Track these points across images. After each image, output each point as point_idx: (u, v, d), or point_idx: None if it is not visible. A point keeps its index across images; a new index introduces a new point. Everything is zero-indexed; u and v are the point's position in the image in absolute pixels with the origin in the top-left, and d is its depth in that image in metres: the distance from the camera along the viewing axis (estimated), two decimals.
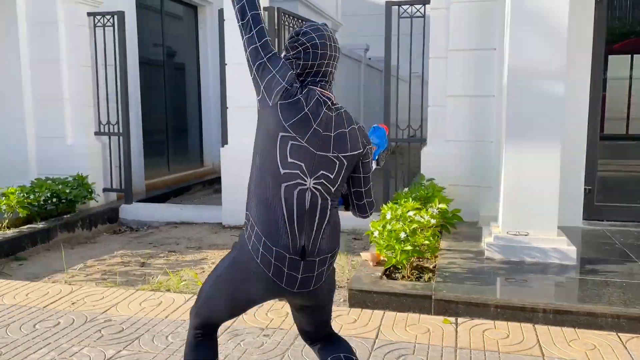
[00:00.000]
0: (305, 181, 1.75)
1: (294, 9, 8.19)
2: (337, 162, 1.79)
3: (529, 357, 2.78)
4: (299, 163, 1.74)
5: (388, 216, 3.72)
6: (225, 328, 3.08)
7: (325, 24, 1.88)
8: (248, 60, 1.80)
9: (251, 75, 1.80)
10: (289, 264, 1.76)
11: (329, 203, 1.81)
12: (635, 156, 5.47)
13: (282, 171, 1.73)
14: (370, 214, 2.00)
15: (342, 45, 4.26)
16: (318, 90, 1.78)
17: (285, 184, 1.74)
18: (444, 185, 4.98)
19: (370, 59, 13.13)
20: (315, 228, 1.78)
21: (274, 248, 1.74)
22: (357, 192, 1.94)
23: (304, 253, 1.77)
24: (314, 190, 1.76)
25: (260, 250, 1.75)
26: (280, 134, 1.73)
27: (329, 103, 1.79)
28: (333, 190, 1.81)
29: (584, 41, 4.84)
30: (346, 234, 5.28)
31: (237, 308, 1.91)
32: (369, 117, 12.12)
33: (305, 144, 1.74)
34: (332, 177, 1.79)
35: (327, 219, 1.80)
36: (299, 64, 1.79)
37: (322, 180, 1.77)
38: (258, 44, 1.78)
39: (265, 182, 1.76)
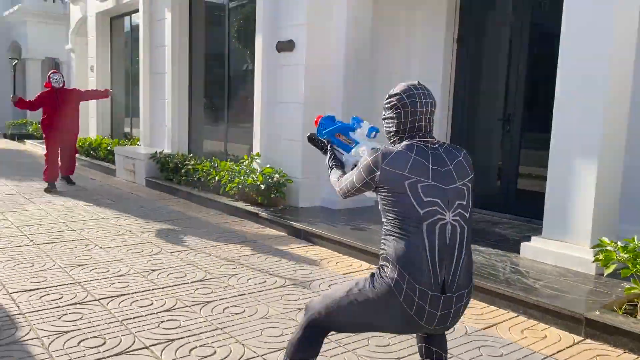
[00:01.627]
0: (445, 215, 1.89)
1: None
2: (465, 189, 1.97)
3: None
4: (435, 199, 1.88)
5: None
6: None
7: (418, 82, 2.07)
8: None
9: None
10: (431, 301, 1.85)
11: (466, 233, 1.94)
12: None
13: (422, 211, 1.87)
14: None
15: None
16: (415, 141, 1.98)
17: (427, 222, 1.87)
18: None
19: None
20: (454, 260, 1.89)
21: (417, 286, 1.83)
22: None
23: (443, 288, 1.87)
24: (453, 222, 1.90)
25: (404, 288, 1.84)
26: (406, 182, 1.88)
27: (431, 145, 1.99)
28: (468, 216, 1.95)
29: None
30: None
31: (362, 331, 2.20)
32: None
33: (433, 182, 1.90)
34: (464, 203, 1.95)
35: (464, 250, 1.92)
36: (394, 122, 2.03)
37: (459, 210, 1.93)
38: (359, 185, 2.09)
39: (405, 225, 1.88)
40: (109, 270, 4.20)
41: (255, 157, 6.77)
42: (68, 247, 4.80)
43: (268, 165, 6.53)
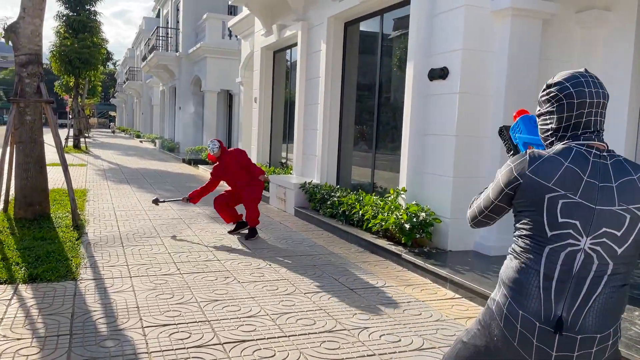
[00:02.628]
0: (579, 241, 1.52)
1: None
2: (628, 216, 1.52)
3: None
4: (573, 221, 1.52)
5: None
6: None
7: (585, 70, 1.67)
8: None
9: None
10: (540, 335, 1.54)
11: (609, 270, 1.53)
12: None
13: (550, 233, 1.55)
14: None
15: None
16: (576, 144, 1.60)
17: (552, 245, 1.55)
18: None
19: None
20: (581, 297, 1.52)
21: (520, 312, 1.56)
22: None
23: (560, 325, 1.52)
24: (589, 251, 1.52)
25: (504, 311, 1.59)
26: (547, 196, 1.55)
27: (596, 152, 1.58)
28: (619, 252, 1.52)
29: None
30: None
31: None
32: None
33: (580, 199, 1.52)
34: (618, 234, 1.52)
35: (599, 290, 1.53)
36: (553, 118, 1.64)
37: (604, 240, 1.52)
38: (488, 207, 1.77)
39: (527, 244, 1.60)
40: (240, 309, 4.09)
41: (401, 192, 6.35)
42: (209, 279, 4.85)
43: (414, 202, 6.05)
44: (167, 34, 25.47)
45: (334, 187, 8.03)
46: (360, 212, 6.60)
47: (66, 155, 19.09)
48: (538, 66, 5.66)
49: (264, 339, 3.57)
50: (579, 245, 1.52)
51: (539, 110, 1.71)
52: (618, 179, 1.54)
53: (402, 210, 5.91)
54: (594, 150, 1.57)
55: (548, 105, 1.67)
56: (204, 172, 15.28)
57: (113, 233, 6.66)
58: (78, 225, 6.76)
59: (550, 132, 1.68)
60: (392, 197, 6.41)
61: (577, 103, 1.59)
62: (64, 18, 22.59)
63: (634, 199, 1.53)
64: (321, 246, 6.39)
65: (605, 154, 1.58)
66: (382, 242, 6.06)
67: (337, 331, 3.75)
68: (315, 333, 3.69)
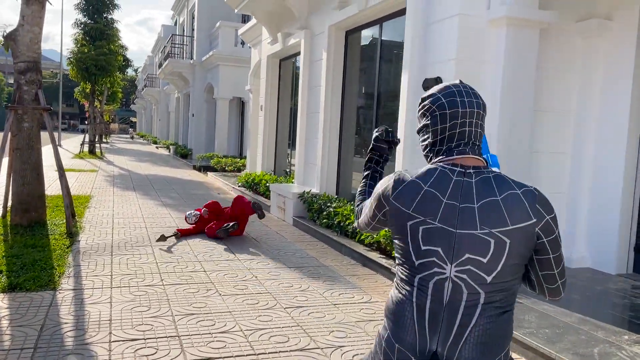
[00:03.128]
0: (444, 269, 1.43)
1: None
2: (492, 241, 1.39)
3: None
4: (435, 248, 1.43)
5: None
6: None
7: (460, 81, 1.59)
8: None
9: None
10: None
11: (482, 299, 1.41)
12: None
13: (417, 262, 1.47)
14: (563, 294, 1.56)
15: None
16: (442, 163, 1.50)
17: (421, 275, 1.46)
18: None
19: None
20: (455, 330, 1.42)
21: (396, 345, 1.48)
22: (548, 275, 1.50)
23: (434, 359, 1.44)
24: (456, 280, 1.42)
25: (383, 344, 1.52)
26: (408, 223, 1.47)
27: (461, 169, 1.47)
28: (489, 279, 1.41)
29: None
30: None
31: None
32: None
33: (439, 224, 1.43)
34: (484, 261, 1.40)
35: (474, 321, 1.41)
36: (428, 131, 1.56)
37: (469, 267, 1.41)
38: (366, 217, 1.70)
39: (402, 273, 1.52)
40: (214, 324, 4.00)
41: None
42: (190, 291, 4.77)
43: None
44: (183, 41, 25.72)
45: (331, 197, 7.91)
46: (354, 223, 6.47)
47: (79, 161, 19.42)
48: (534, 77, 5.48)
49: (231, 357, 3.47)
50: (445, 273, 1.42)
51: (417, 126, 1.63)
52: (481, 199, 1.42)
53: None
54: (458, 169, 1.47)
55: (424, 119, 1.59)
56: (213, 180, 15.30)
57: (105, 241, 6.64)
58: (72, 233, 6.76)
59: (428, 148, 1.58)
60: None
61: (449, 114, 1.50)
62: (82, 26, 22.98)
63: (497, 222, 1.39)
64: (313, 258, 6.28)
65: (471, 170, 1.46)
66: (374, 255, 5.92)
67: (309, 349, 3.63)
68: (286, 351, 3.58)
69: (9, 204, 7.44)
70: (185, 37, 25.88)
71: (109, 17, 23.61)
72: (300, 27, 9.52)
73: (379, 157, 1.87)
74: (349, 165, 8.61)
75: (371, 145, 1.88)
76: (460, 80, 1.58)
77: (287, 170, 11.75)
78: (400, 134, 6.24)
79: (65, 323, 3.88)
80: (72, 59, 22.47)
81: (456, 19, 5.43)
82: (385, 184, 1.57)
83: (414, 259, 1.47)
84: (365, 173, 1.87)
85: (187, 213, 7.62)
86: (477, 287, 1.41)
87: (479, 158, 1.51)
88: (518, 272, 1.45)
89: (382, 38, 7.59)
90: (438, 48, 5.69)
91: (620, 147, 5.46)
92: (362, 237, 6.10)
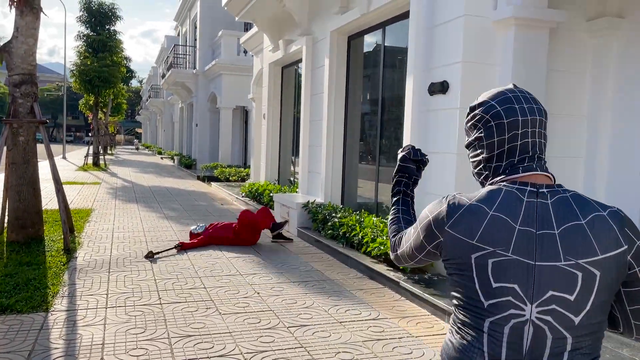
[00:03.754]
0: (523, 310, 1.18)
1: None
2: (579, 274, 1.16)
3: None
4: (510, 285, 1.19)
5: None
6: None
7: (514, 85, 1.36)
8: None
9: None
10: None
11: (569, 345, 1.17)
12: None
13: (486, 303, 1.21)
14: None
15: None
16: (506, 183, 1.27)
17: (492, 318, 1.20)
18: None
19: None
20: None
21: None
22: (638, 310, 1.25)
23: None
24: (538, 323, 1.17)
25: None
26: (473, 256, 1.22)
27: (532, 189, 1.24)
28: (577, 321, 1.17)
29: None
30: None
31: None
32: None
33: (513, 255, 1.19)
34: (571, 299, 1.16)
35: None
36: (482, 145, 1.33)
37: (554, 306, 1.17)
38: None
39: (465, 316, 1.27)
40: (212, 347, 3.77)
41: None
42: (189, 310, 4.55)
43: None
44: (186, 51, 25.67)
45: (336, 207, 7.69)
46: (360, 234, 6.24)
47: (83, 174, 19.29)
48: (545, 78, 5.25)
49: None
50: (524, 315, 1.17)
51: (467, 140, 1.40)
52: (562, 224, 1.19)
53: None
54: (528, 188, 1.23)
55: (475, 131, 1.35)
56: (216, 190, 15.12)
57: (104, 257, 6.44)
58: (69, 249, 6.57)
59: (482, 166, 1.35)
60: None
61: (507, 123, 1.28)
62: (84, 38, 22.96)
63: (585, 251, 1.16)
64: (318, 271, 6.04)
65: (545, 190, 1.23)
66: (381, 268, 5.68)
67: None
68: None
69: (6, 220, 7.26)
70: (188, 47, 25.84)
71: (112, 28, 23.59)
72: (302, 33, 9.35)
73: (408, 178, 1.64)
74: (354, 173, 8.39)
75: (397, 167, 1.65)
76: (514, 84, 1.36)
77: (291, 179, 11.55)
78: (405, 141, 6.02)
79: (55, 348, 3.67)
80: (75, 72, 22.43)
81: (461, 20, 5.22)
82: (435, 209, 1.32)
83: (482, 299, 1.21)
84: (395, 199, 1.64)
85: (192, 228, 7.45)
86: (564, 331, 1.17)
87: (549, 175, 1.29)
88: (607, 310, 1.22)
89: (386, 42, 7.39)
90: (443, 51, 5.47)
91: (636, 148, 5.20)
92: (369, 249, 5.87)
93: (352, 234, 6.48)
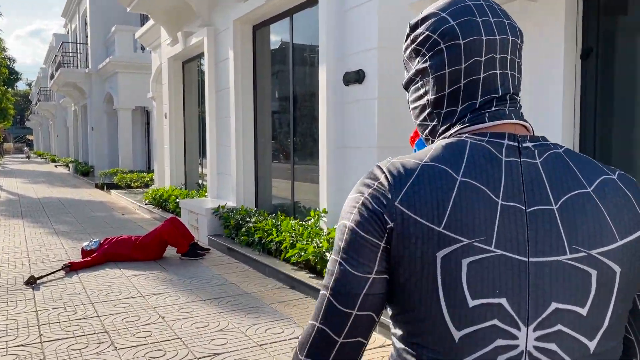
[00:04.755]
0: (516, 339, 0.72)
1: None
2: (593, 273, 0.73)
3: None
4: (495, 301, 0.72)
5: None
6: None
7: None
8: None
9: None
10: None
11: None
12: None
13: (458, 335, 0.73)
14: None
15: None
16: (469, 133, 0.81)
17: (468, 358, 0.72)
18: None
19: None
20: None
21: None
22: None
23: None
24: (538, 355, 0.72)
25: None
26: (439, 254, 0.72)
27: (512, 142, 0.79)
28: (593, 347, 0.73)
29: None
30: None
31: None
32: None
33: (498, 250, 0.72)
34: (584, 313, 0.73)
35: None
36: (428, 80, 0.86)
37: (561, 328, 0.72)
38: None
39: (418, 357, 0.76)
40: None
41: (322, 214, 5.51)
42: (76, 348, 3.77)
43: (336, 226, 5.23)
44: (76, 49, 23.66)
45: (249, 211, 7.09)
46: (277, 239, 5.70)
47: None
48: None
49: None
50: (517, 346, 0.72)
51: (406, 75, 0.93)
52: (561, 194, 0.76)
53: (322, 237, 5.07)
54: (506, 141, 0.79)
55: (417, 61, 0.88)
56: (117, 198, 13.89)
57: None
58: None
59: (427, 112, 0.88)
60: (312, 220, 5.56)
61: (465, 45, 0.82)
62: None
63: (598, 235, 0.74)
64: (233, 285, 5.43)
65: (529, 144, 0.80)
66: (303, 276, 5.18)
67: None
68: None
69: None
70: (78, 45, 23.83)
71: None
72: (202, 24, 8.61)
73: None
74: (268, 173, 7.83)
75: None
76: None
77: (200, 182, 10.75)
78: (322, 136, 5.56)
79: None
80: None
81: (375, 2, 4.83)
82: (364, 187, 0.79)
83: (451, 327, 0.73)
84: None
85: (85, 244, 6.51)
86: None
87: (527, 125, 0.85)
88: (623, 329, 0.79)
89: (294, 31, 6.89)
90: (357, 37, 5.07)
91: (555, 138, 5.11)
92: (288, 255, 5.35)
93: (269, 240, 5.93)
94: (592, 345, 0.74)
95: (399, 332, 0.80)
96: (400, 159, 0.81)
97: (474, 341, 0.72)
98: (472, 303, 0.72)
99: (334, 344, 0.77)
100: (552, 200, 0.75)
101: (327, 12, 5.34)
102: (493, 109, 0.82)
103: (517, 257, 0.72)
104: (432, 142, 0.90)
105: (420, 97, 0.89)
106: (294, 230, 5.59)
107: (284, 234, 5.64)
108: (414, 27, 0.90)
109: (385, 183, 0.77)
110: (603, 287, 0.74)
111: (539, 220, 0.74)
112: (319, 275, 5.11)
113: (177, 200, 9.37)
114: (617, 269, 0.75)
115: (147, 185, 15.16)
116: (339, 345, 0.77)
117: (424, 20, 0.87)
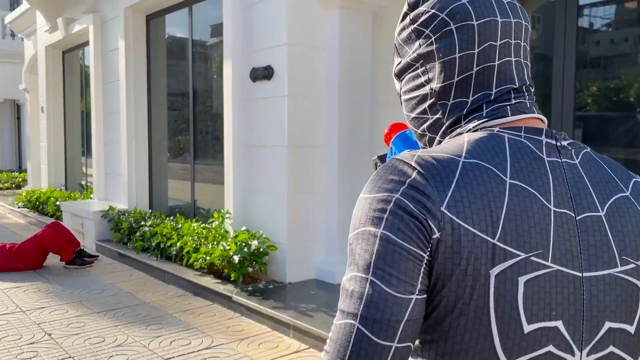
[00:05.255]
0: None
1: None
2: None
3: None
4: (551, 325, 0.62)
5: None
6: None
7: None
8: None
9: None
10: None
11: None
12: None
13: None
14: None
15: None
16: (500, 126, 0.70)
17: None
18: None
19: None
20: None
21: None
22: None
23: None
24: None
25: None
26: (492, 271, 0.60)
27: (550, 140, 0.69)
28: None
29: None
30: None
31: None
32: None
33: (555, 265, 0.62)
34: (632, 331, 0.66)
35: None
36: (433, 66, 0.75)
37: (612, 350, 0.65)
38: None
39: None
40: None
41: (227, 215, 5.26)
42: None
43: (243, 228, 5.02)
44: None
45: (144, 214, 6.60)
46: (179, 244, 5.35)
47: None
48: (372, 66, 5.06)
49: None
50: None
51: (398, 64, 0.82)
52: (604, 199, 0.69)
53: (229, 240, 4.82)
54: (544, 138, 0.71)
55: (418, 44, 0.76)
56: None
57: None
58: None
59: (429, 104, 0.77)
60: (217, 222, 5.29)
61: (479, 27, 0.72)
62: None
63: None
64: (129, 294, 4.99)
65: (565, 142, 0.72)
66: (208, 281, 4.90)
67: None
68: None
69: None
70: None
71: None
72: (87, 10, 7.90)
73: None
74: (164, 173, 7.36)
75: None
76: None
77: (83, 183, 9.88)
78: (227, 134, 5.30)
79: None
80: None
81: None
82: (389, 182, 0.64)
83: (502, 358, 0.62)
84: None
85: None
86: None
87: (543, 118, 0.76)
88: None
89: (194, 22, 6.53)
90: (265, 32, 4.90)
91: None
92: (191, 260, 5.03)
93: (169, 244, 5.55)
94: None
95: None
96: (427, 152, 0.68)
97: None
98: (527, 328, 0.62)
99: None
100: (598, 206, 0.68)
101: (232, 4, 5.10)
102: (513, 101, 0.73)
103: (572, 272, 0.64)
104: (431, 139, 0.79)
105: (420, 86, 0.78)
106: (197, 233, 5.27)
107: (185, 237, 5.30)
108: (413, 5, 0.78)
109: (423, 181, 0.64)
110: None
111: (589, 229, 0.66)
112: (226, 279, 4.86)
113: (58, 202, 8.51)
114: None
115: (18, 187, 13.71)
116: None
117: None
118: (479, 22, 0.72)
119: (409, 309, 0.61)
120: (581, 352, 0.64)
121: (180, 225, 5.72)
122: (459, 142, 0.69)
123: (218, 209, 5.70)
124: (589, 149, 0.74)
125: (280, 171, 4.82)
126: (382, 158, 1.27)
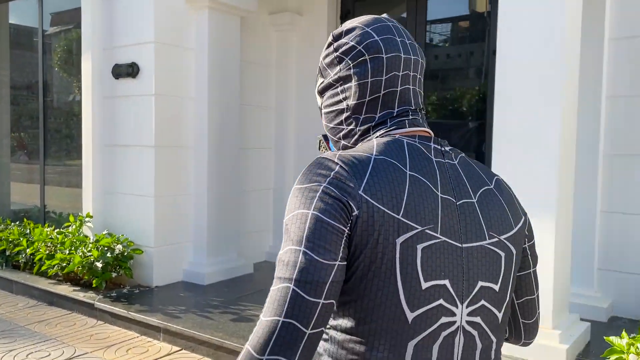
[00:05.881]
0: (454, 315, 0.83)
1: None
2: (502, 255, 0.90)
3: None
4: (441, 282, 0.82)
5: None
6: None
7: (385, 15, 1.01)
8: None
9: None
10: None
11: (493, 353, 0.90)
12: None
13: (412, 316, 0.80)
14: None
15: None
16: (400, 134, 0.92)
17: (416, 339, 0.80)
18: None
19: None
20: None
21: None
22: (527, 303, 1.03)
23: None
24: (469, 328, 0.85)
25: None
26: (398, 240, 0.79)
27: (437, 146, 0.92)
28: (500, 318, 0.90)
29: None
30: None
31: None
32: None
33: (443, 237, 0.83)
34: (497, 289, 0.89)
35: None
36: (350, 87, 0.95)
37: (483, 303, 0.87)
38: None
39: (359, 348, 0.81)
40: None
41: (86, 219, 4.97)
42: None
43: (106, 232, 4.79)
44: None
45: None
46: (29, 251, 4.92)
47: None
48: (240, 68, 5.15)
49: None
50: (455, 322, 0.85)
51: (321, 83, 1.02)
52: (476, 190, 0.92)
53: (90, 245, 4.57)
54: (432, 144, 0.92)
55: (339, 68, 0.97)
56: None
57: None
58: None
59: (346, 116, 0.97)
60: (73, 227, 4.96)
61: (387, 60, 0.94)
62: None
63: (503, 223, 0.92)
64: None
65: (447, 148, 0.95)
66: (65, 289, 4.58)
67: None
68: None
69: None
70: None
71: None
72: None
73: None
74: (6, 174, 6.66)
75: None
76: (384, 15, 1.01)
77: None
78: (86, 132, 5.00)
79: None
80: None
81: None
82: (319, 175, 0.82)
83: (406, 310, 0.80)
84: None
85: None
86: (491, 335, 0.89)
87: (430, 132, 0.98)
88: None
89: (45, 10, 6.03)
90: (130, 28, 4.73)
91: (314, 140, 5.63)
92: (44, 267, 4.66)
93: (16, 251, 5.07)
94: (500, 316, 0.91)
95: (346, 322, 0.84)
96: (347, 152, 0.87)
97: (424, 320, 0.82)
98: (424, 285, 0.81)
99: (302, 337, 0.76)
100: (472, 194, 0.91)
101: None
102: (410, 117, 0.95)
103: (455, 243, 0.85)
104: (345, 145, 0.99)
105: (339, 102, 0.97)
106: (51, 239, 4.89)
107: (37, 243, 4.89)
108: (337, 37, 0.98)
109: (344, 173, 0.82)
110: (507, 266, 0.92)
111: (466, 211, 0.89)
112: (86, 286, 4.59)
113: None
114: (514, 250, 0.93)
115: None
116: (307, 337, 0.76)
117: (348, 31, 0.96)
118: (388, 55, 0.93)
119: (332, 273, 0.78)
120: (462, 304, 0.85)
121: (29, 231, 5.25)
122: (370, 144, 0.89)
123: (74, 213, 5.35)
124: (463, 154, 0.98)
125: (146, 172, 4.69)
126: (326, 137, 1.44)
